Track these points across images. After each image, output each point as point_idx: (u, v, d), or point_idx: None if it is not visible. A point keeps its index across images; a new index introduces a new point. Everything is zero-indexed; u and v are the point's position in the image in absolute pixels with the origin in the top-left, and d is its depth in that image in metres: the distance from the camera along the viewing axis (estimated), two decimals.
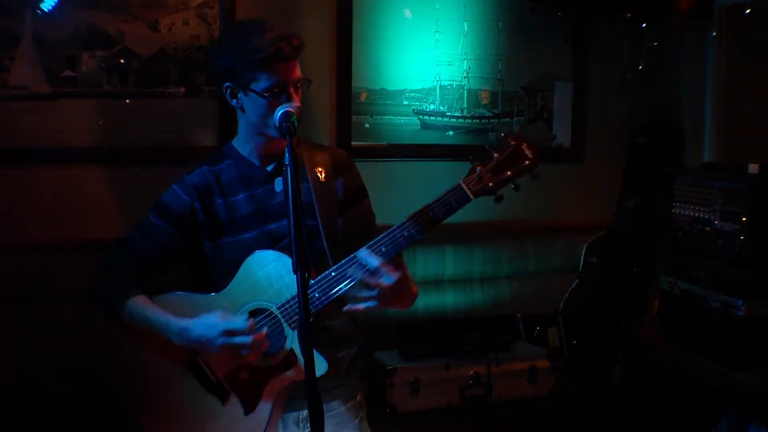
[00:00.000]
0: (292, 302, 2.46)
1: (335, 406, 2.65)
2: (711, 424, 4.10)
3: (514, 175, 2.39)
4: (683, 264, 3.74)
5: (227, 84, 2.51)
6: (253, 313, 2.50)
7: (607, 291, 4.57)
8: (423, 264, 4.39)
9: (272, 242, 2.56)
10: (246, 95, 2.48)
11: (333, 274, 2.43)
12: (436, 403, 3.90)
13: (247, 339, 2.39)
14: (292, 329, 2.46)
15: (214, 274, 2.60)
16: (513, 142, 2.41)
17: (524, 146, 2.40)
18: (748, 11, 4.72)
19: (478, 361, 3.98)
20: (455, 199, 2.40)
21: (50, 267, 3.81)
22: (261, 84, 2.43)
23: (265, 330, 2.45)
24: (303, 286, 2.03)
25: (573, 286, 4.70)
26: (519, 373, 4.03)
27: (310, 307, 2.38)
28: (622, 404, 3.77)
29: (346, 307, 2.45)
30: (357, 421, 2.71)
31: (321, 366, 2.44)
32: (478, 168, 2.40)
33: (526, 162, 2.39)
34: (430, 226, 2.41)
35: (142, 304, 2.51)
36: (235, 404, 2.52)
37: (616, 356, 3.72)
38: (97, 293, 2.60)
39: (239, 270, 2.51)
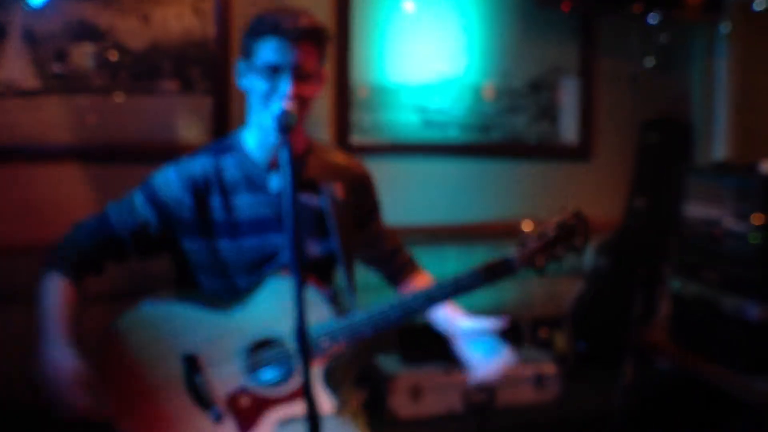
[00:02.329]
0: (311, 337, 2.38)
1: (330, 419, 2.53)
2: (721, 429, 4.08)
3: (563, 254, 2.41)
4: (694, 265, 3.76)
5: (239, 60, 2.42)
6: (264, 343, 2.42)
7: (615, 293, 4.56)
8: (424, 266, 4.28)
9: (272, 253, 2.46)
10: (248, 71, 2.38)
11: (361, 319, 2.37)
12: (437, 409, 3.89)
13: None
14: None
15: (199, 275, 2.50)
16: (573, 222, 2.41)
17: (579, 226, 2.41)
18: (759, 6, 4.67)
19: None
20: (502, 270, 2.44)
21: (38, 267, 3.71)
22: (260, 59, 2.33)
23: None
24: (300, 289, 1.96)
25: (580, 288, 4.69)
26: (524, 378, 4.01)
27: (331, 346, 2.37)
28: (630, 410, 3.74)
29: None
30: (357, 430, 2.63)
31: (329, 405, 2.41)
32: (531, 243, 2.41)
33: (578, 243, 2.41)
34: (469, 290, 2.46)
35: (59, 293, 2.36)
36: (229, 426, 2.43)
37: (624, 360, 3.69)
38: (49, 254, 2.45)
39: (254, 294, 2.41)
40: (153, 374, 2.41)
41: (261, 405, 2.41)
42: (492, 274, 2.43)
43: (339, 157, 2.64)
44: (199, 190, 2.44)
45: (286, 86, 2.30)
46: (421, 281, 2.82)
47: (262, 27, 2.32)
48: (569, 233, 2.40)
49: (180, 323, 2.41)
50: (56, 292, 2.37)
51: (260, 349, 2.42)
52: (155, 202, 2.44)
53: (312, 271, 2.41)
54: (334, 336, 2.35)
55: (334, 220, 2.48)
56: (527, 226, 2.45)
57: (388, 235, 2.79)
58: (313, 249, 2.49)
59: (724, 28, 4.86)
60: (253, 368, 2.42)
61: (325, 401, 2.39)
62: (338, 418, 2.57)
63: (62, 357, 2.26)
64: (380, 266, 2.82)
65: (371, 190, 2.69)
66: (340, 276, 2.57)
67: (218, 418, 2.42)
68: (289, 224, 1.98)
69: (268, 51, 2.31)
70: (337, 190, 2.53)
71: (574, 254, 2.44)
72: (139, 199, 2.45)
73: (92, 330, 2.52)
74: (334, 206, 2.50)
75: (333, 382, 2.45)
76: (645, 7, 4.63)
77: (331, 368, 2.45)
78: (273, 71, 2.32)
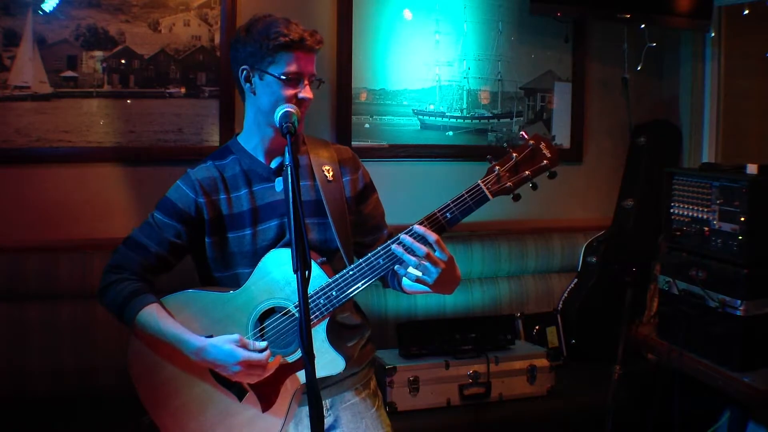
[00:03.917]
0: (310, 299, 2.43)
1: (348, 397, 2.66)
2: (710, 423, 4.12)
3: (533, 174, 2.43)
4: (682, 264, 3.75)
5: (244, 66, 2.50)
6: (270, 312, 2.50)
7: (605, 290, 4.58)
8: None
9: (272, 240, 2.55)
10: (262, 79, 2.47)
11: (350, 272, 2.43)
12: (435, 401, 3.90)
13: (262, 371, 2.41)
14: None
15: (212, 270, 2.60)
16: (532, 142, 2.43)
17: (543, 145, 2.43)
18: (746, 12, 4.72)
19: (477, 360, 3.98)
20: (474, 199, 2.42)
21: (52, 266, 3.82)
22: (280, 68, 2.44)
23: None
24: (303, 284, 1.99)
25: (572, 285, 4.73)
26: (518, 372, 4.03)
27: (328, 305, 2.43)
28: (620, 403, 3.75)
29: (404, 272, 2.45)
30: (374, 410, 2.71)
31: (338, 363, 2.46)
32: (497, 168, 2.42)
33: (545, 161, 2.42)
34: (447, 226, 2.42)
35: (156, 317, 2.47)
36: (252, 401, 2.51)
37: (614, 355, 3.71)
38: (107, 296, 2.54)
39: (255, 269, 2.49)
40: (180, 362, 2.49)
41: (277, 374, 2.47)
42: (464, 204, 2.42)
43: (327, 145, 2.74)
44: (208, 191, 2.55)
45: (306, 90, 2.46)
46: None
47: (286, 39, 2.41)
48: (532, 154, 2.42)
49: (194, 309, 2.52)
50: (156, 315, 2.48)
51: (267, 318, 2.50)
52: (177, 214, 2.54)
53: (311, 249, 2.43)
54: (329, 294, 2.42)
55: (327, 200, 2.56)
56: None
57: (379, 214, 2.82)
58: (311, 230, 2.57)
59: (712, 32, 4.89)
60: (262, 338, 2.49)
61: (333, 361, 2.45)
62: (358, 397, 2.67)
63: (220, 345, 2.39)
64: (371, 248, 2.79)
65: (360, 168, 2.75)
66: (338, 255, 2.61)
67: (242, 395, 2.50)
68: (293, 217, 2.04)
69: (291, 61, 2.43)
70: (328, 172, 2.62)
71: (546, 175, 2.44)
72: (161, 218, 2.55)
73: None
74: (326, 187, 2.59)
75: (336, 341, 2.49)
76: (635, 13, 4.66)
77: (332, 326, 2.49)
78: (294, 78, 2.44)
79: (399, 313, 4.32)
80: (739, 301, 3.46)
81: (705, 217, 3.68)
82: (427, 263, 2.38)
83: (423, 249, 2.36)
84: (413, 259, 2.38)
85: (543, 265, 4.79)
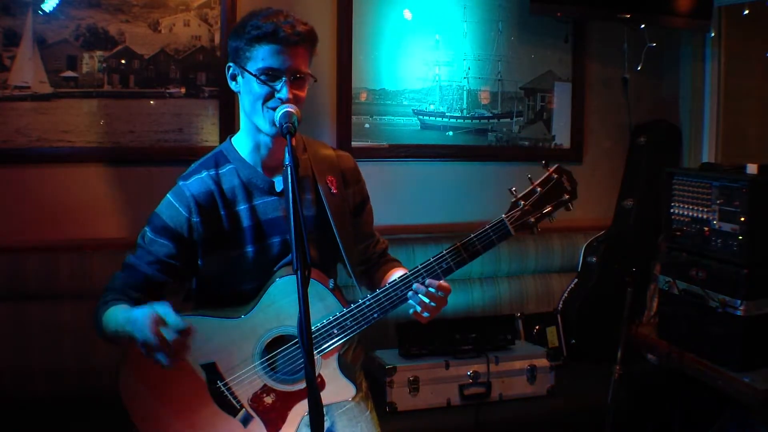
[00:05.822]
0: (321, 329, 2.41)
1: (343, 402, 2.63)
2: (710, 423, 4.12)
3: (553, 209, 2.48)
4: (682, 264, 3.75)
5: (229, 63, 2.41)
6: (279, 340, 2.45)
7: (605, 290, 4.58)
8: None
9: (275, 257, 2.49)
10: (243, 76, 2.37)
11: (367, 303, 2.43)
12: (435, 401, 3.90)
13: (172, 334, 2.14)
14: (321, 357, 2.43)
15: (213, 287, 2.53)
16: (555, 175, 2.47)
17: (564, 179, 2.48)
18: (746, 12, 4.73)
19: (477, 360, 3.97)
20: (497, 234, 2.46)
21: (52, 266, 3.81)
22: (256, 64, 2.32)
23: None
24: (303, 284, 1.96)
25: (572, 285, 4.73)
26: (518, 372, 4.02)
27: (342, 334, 2.42)
28: (620, 403, 3.75)
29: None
30: (368, 413, 2.71)
31: (349, 390, 2.48)
32: (521, 202, 2.46)
33: (566, 195, 2.49)
34: (469, 259, 2.46)
35: (114, 308, 2.36)
36: (257, 428, 2.46)
37: (614, 355, 3.71)
38: (94, 319, 2.45)
39: (263, 295, 2.42)
40: (178, 388, 2.41)
41: (286, 401, 2.45)
42: (487, 239, 2.45)
43: (328, 151, 2.65)
44: (204, 208, 2.44)
45: (284, 89, 2.31)
46: (401, 269, 2.77)
47: (258, 32, 2.30)
48: (555, 187, 2.47)
49: (197, 334, 2.36)
50: (115, 307, 2.37)
51: (275, 346, 2.44)
52: (169, 233, 2.44)
53: (315, 266, 2.36)
54: (344, 324, 2.39)
55: (332, 213, 2.50)
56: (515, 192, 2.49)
57: (371, 220, 2.82)
58: (318, 245, 2.51)
59: (712, 32, 4.89)
60: (271, 366, 2.44)
61: (344, 387, 2.45)
62: (353, 401, 2.65)
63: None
64: (363, 254, 2.78)
65: (361, 180, 2.72)
66: (340, 267, 2.62)
67: (246, 421, 2.45)
68: (294, 225, 1.97)
69: (266, 56, 2.31)
70: (332, 184, 2.55)
71: (563, 208, 2.50)
72: (152, 236, 2.45)
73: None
74: (331, 201, 2.52)
75: (347, 368, 2.49)
76: (635, 14, 4.67)
77: (344, 355, 2.50)
78: (271, 75, 2.32)
79: (399, 313, 4.29)
80: (739, 301, 3.48)
81: (705, 217, 3.69)
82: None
83: (434, 302, 2.44)
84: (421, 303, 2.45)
85: (543, 265, 4.79)
